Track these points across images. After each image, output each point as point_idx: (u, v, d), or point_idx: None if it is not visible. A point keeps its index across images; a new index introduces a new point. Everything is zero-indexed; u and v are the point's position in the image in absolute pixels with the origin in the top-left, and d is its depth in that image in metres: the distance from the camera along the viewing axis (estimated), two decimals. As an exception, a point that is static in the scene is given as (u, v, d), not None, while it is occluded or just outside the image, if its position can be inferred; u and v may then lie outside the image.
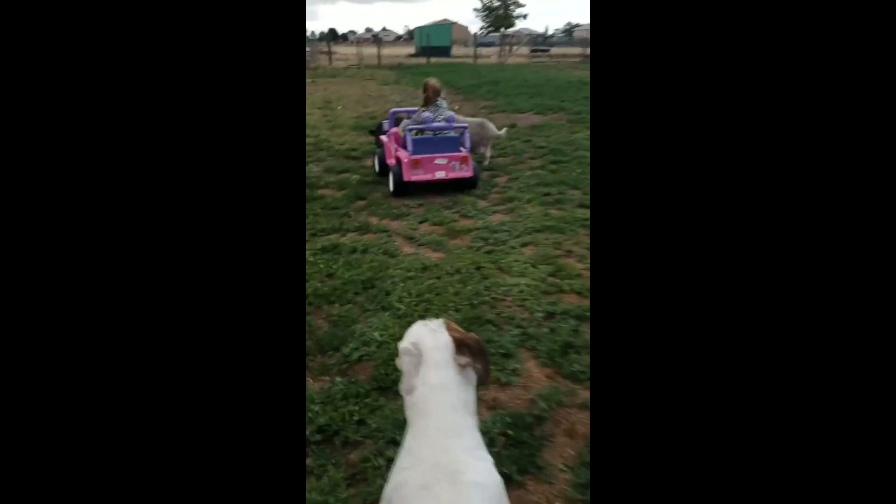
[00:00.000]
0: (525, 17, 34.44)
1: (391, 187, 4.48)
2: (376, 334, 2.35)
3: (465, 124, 4.66)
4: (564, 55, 27.25)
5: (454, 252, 3.32)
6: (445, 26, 32.56)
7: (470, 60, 25.14)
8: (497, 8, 27.74)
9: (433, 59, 24.08)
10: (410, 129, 4.49)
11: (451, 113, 4.69)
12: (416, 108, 4.95)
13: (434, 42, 26.15)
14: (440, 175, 4.39)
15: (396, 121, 5.11)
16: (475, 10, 29.82)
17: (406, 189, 4.39)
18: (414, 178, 4.33)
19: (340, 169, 5.40)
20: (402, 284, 2.85)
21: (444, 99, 4.75)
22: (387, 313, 2.56)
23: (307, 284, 2.86)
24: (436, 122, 4.55)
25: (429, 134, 4.51)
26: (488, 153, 5.70)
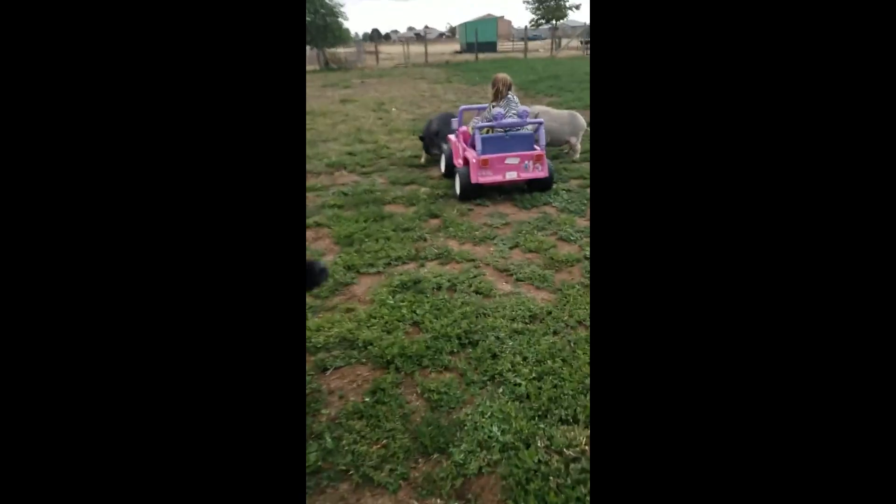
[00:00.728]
0: (578, 7, 32.89)
1: (457, 190, 4.11)
2: (496, 429, 1.71)
3: (541, 120, 4.23)
4: None
5: (566, 292, 2.64)
6: (492, 21, 31.66)
7: (518, 55, 24.30)
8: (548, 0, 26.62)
9: (481, 56, 23.34)
10: (479, 128, 4.07)
11: (524, 108, 4.21)
12: (485, 105, 4.50)
13: (481, 38, 25.38)
14: (511, 176, 4.00)
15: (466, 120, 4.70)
16: (525, 1, 28.64)
17: (474, 192, 4.05)
18: (482, 180, 3.95)
19: (406, 180, 4.81)
20: (510, 343, 2.20)
21: (514, 94, 4.30)
22: (500, 390, 1.92)
23: (392, 336, 2.26)
24: (507, 118, 4.09)
25: (499, 132, 4.09)
26: (578, 146, 5.04)
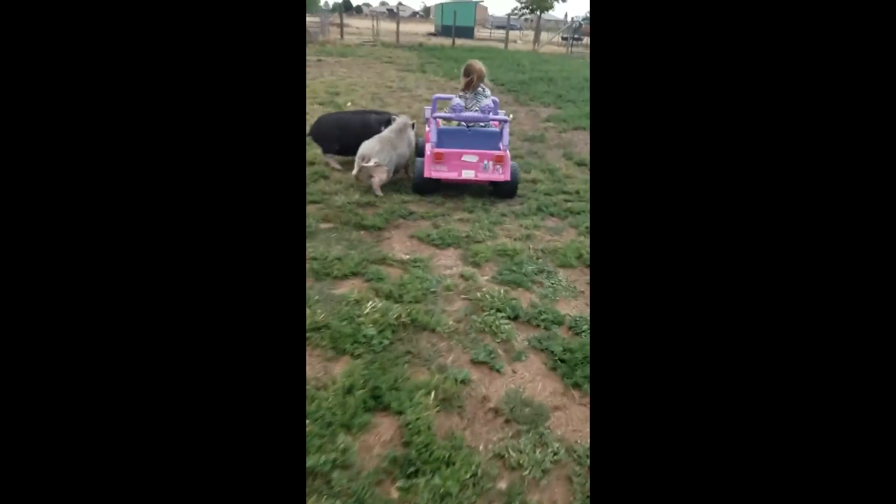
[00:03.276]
0: (565, 0, 30.98)
1: (413, 183, 3.75)
2: None
3: (507, 117, 3.81)
4: (585, 44, 24.43)
5: None
6: (470, 5, 29.50)
7: (496, 44, 22.39)
8: (532, -13, 24.66)
9: (458, 42, 21.26)
10: (438, 118, 3.76)
11: (489, 102, 3.84)
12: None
13: (459, 22, 23.24)
14: (468, 175, 3.64)
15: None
16: None
17: (428, 187, 3.69)
18: (436, 174, 3.63)
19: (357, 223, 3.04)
20: None
21: (486, 86, 3.95)
22: None
23: None
24: (468, 111, 3.78)
25: (462, 125, 3.76)
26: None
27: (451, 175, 3.61)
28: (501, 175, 3.62)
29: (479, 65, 3.89)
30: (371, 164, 3.48)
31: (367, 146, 3.54)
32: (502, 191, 3.72)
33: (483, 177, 3.63)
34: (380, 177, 3.57)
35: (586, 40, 24.76)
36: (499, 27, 38.66)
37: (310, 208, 3.35)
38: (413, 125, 4.03)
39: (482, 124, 3.74)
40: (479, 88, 3.87)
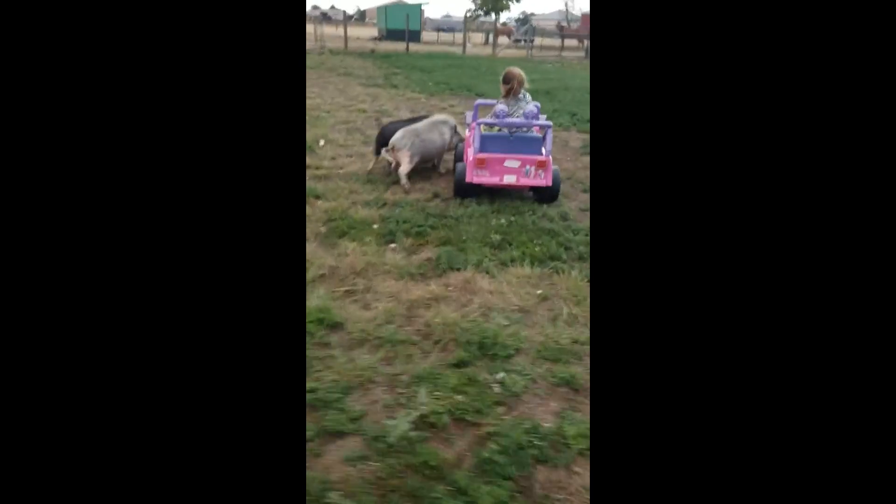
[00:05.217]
0: (519, 0, 29.45)
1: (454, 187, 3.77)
2: None
3: (549, 123, 3.70)
4: (541, 46, 23.51)
5: None
6: (416, 7, 27.83)
7: (449, 49, 20.86)
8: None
9: (409, 46, 19.51)
10: (482, 124, 3.72)
11: (533, 108, 3.69)
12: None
13: (403, 25, 21.45)
14: (509, 180, 3.60)
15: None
16: None
17: (469, 191, 3.67)
18: (477, 180, 3.59)
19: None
20: None
21: (527, 91, 3.92)
22: None
23: None
24: (512, 117, 3.72)
25: (504, 131, 3.74)
26: None
27: (493, 180, 3.62)
28: (543, 180, 3.61)
29: (517, 71, 3.90)
30: (391, 149, 3.80)
31: (394, 136, 3.85)
32: (544, 196, 3.71)
33: (525, 182, 3.63)
34: (403, 162, 3.81)
35: (538, 41, 23.72)
36: (439, 29, 37.29)
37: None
38: (455, 127, 4.18)
39: (525, 129, 3.74)
40: (521, 94, 3.86)
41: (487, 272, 2.69)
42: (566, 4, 28.98)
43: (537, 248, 2.95)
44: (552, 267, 2.76)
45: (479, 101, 4.54)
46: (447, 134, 4.14)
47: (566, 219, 3.51)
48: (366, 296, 2.42)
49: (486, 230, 3.19)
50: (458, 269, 2.70)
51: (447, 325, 2.19)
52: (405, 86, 9.29)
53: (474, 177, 3.58)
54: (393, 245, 2.99)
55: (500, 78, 3.99)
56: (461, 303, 2.40)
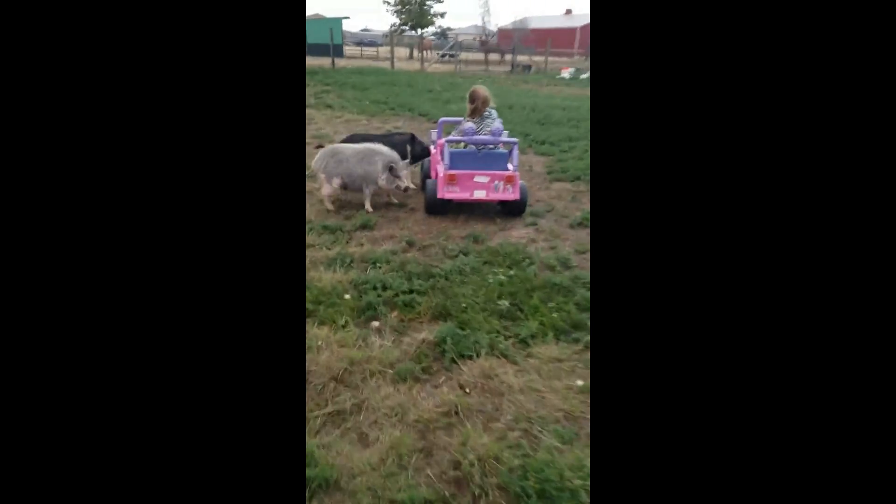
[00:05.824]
0: (443, 15, 29.15)
1: (425, 204, 3.85)
2: None
3: (515, 140, 3.84)
4: (466, 60, 23.38)
5: None
6: (338, 21, 26.91)
7: (376, 64, 20.23)
8: (411, 3, 22.54)
9: (335, 61, 18.63)
10: (450, 141, 3.80)
11: (498, 125, 3.83)
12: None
13: (327, 39, 20.55)
14: (480, 195, 3.71)
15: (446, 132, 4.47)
16: (385, 2, 23.97)
17: (440, 207, 3.76)
18: (448, 195, 3.68)
19: None
20: None
21: (493, 108, 3.96)
22: None
23: None
24: (480, 134, 3.83)
25: (472, 148, 3.78)
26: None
27: (464, 195, 3.68)
28: (512, 194, 3.71)
29: (482, 90, 3.93)
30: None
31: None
32: (513, 209, 3.81)
33: (494, 196, 3.71)
34: (322, 185, 3.80)
35: (463, 55, 23.59)
36: (360, 43, 36.51)
37: None
38: (391, 164, 3.76)
39: (491, 146, 3.80)
40: (486, 112, 3.91)
41: (506, 357, 2.09)
42: (482, 19, 29.10)
43: (555, 315, 2.39)
44: (579, 340, 2.21)
45: (443, 118, 4.67)
46: (378, 165, 3.69)
47: (568, 265, 2.99)
48: (358, 419, 1.73)
49: (486, 292, 2.58)
50: (469, 357, 2.07)
51: (483, 460, 1.56)
52: (340, 106, 8.53)
53: (445, 192, 3.66)
54: (376, 323, 2.31)
55: (467, 96, 4.02)
56: (488, 415, 1.77)
